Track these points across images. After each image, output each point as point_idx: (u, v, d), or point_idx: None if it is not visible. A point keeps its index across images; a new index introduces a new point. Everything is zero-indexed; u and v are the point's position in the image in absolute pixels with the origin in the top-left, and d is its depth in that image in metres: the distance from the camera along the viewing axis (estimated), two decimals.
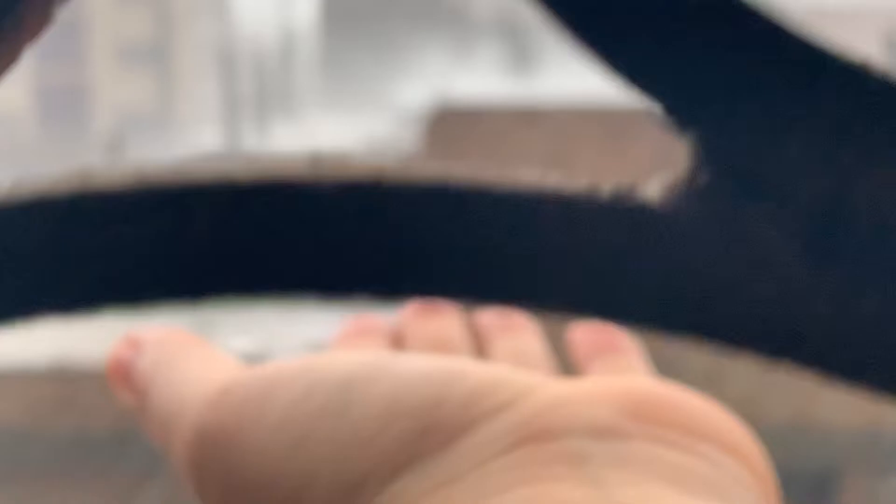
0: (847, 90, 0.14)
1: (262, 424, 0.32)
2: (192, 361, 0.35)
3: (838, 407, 2.47)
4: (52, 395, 4.32)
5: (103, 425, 4.57)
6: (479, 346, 0.41)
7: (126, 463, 4.09)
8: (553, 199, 0.15)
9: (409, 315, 0.40)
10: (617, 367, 0.38)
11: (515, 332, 0.41)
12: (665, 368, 0.35)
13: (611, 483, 0.28)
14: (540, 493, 0.27)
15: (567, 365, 0.41)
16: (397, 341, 0.40)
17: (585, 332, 0.40)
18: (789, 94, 0.14)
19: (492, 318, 0.41)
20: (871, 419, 2.48)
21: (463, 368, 0.32)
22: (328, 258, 0.16)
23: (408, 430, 0.30)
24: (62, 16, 0.18)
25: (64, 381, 4.39)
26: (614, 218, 0.15)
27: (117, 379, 0.36)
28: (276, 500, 0.31)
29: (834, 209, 0.14)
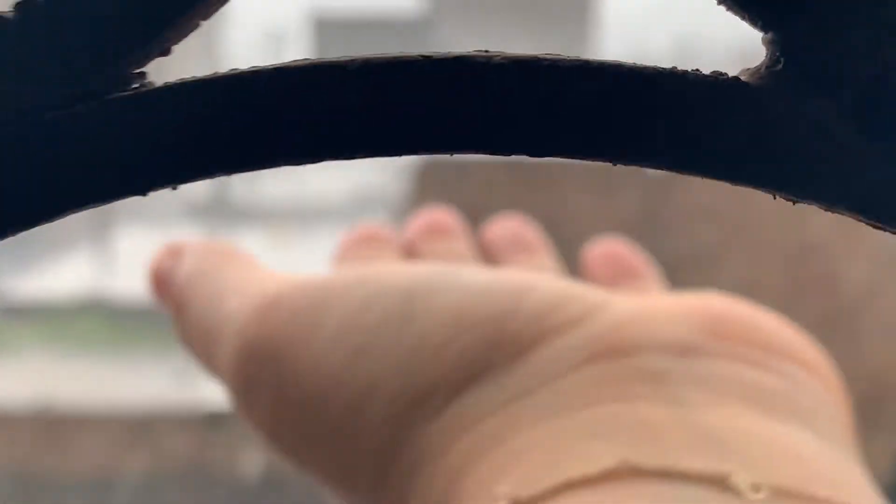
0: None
1: (317, 336, 0.30)
2: (234, 271, 0.33)
3: None
4: (36, 437, 4.30)
5: (88, 468, 4.53)
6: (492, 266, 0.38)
7: None
8: (668, 73, 0.19)
9: (418, 232, 0.38)
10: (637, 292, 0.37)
11: (529, 250, 0.38)
12: None
13: (692, 403, 0.26)
14: (619, 412, 0.26)
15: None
16: (409, 257, 0.38)
17: (601, 256, 0.38)
18: (843, 5, 0.19)
19: (503, 234, 0.39)
20: None
21: (532, 281, 0.30)
22: (494, 123, 0.19)
23: (476, 341, 0.29)
24: None
25: (48, 423, 4.38)
26: (715, 86, 0.19)
27: (157, 289, 0.34)
28: (331, 415, 0.29)
29: (878, 90, 0.19)
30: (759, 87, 0.19)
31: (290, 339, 0.30)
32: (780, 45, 0.19)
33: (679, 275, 0.31)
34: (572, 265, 0.38)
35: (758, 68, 0.20)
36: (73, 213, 0.19)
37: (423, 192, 2.56)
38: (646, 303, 0.30)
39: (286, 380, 0.30)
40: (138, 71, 0.19)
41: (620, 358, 0.28)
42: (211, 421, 6.16)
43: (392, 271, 0.31)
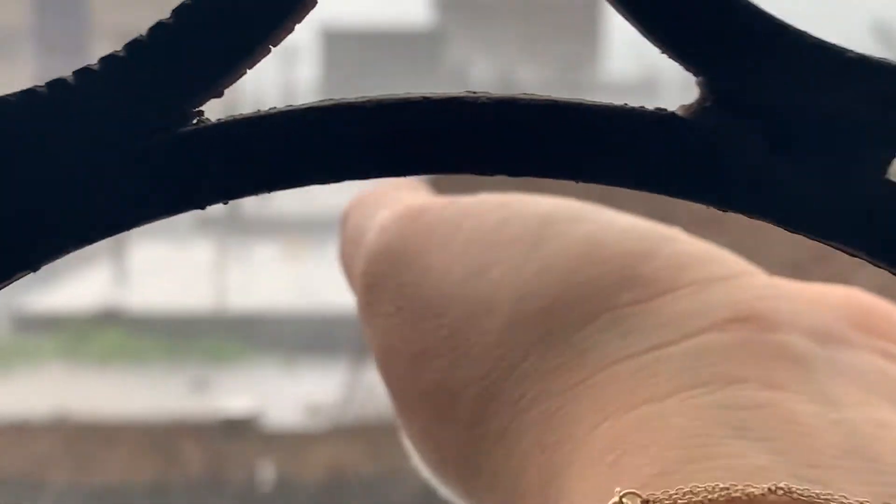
0: (793, 49, 0.23)
1: (447, 247, 0.30)
2: (398, 192, 0.34)
3: None
4: (54, 446, 4.35)
5: (104, 477, 4.56)
6: None
7: None
8: (620, 109, 0.23)
9: None
10: None
11: None
12: None
13: (843, 402, 0.25)
14: (765, 402, 0.24)
15: None
16: None
17: None
18: (760, 53, 0.23)
19: None
20: None
21: (677, 233, 0.29)
22: (481, 150, 0.24)
23: (607, 274, 0.28)
24: None
25: (66, 433, 4.41)
26: (657, 120, 0.23)
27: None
28: (447, 324, 0.29)
29: (787, 120, 0.23)
30: (693, 119, 0.24)
31: (422, 245, 0.31)
32: (709, 86, 0.24)
33: None
34: None
35: (692, 105, 0.24)
36: (144, 225, 0.24)
37: None
38: (789, 283, 0.29)
39: (410, 283, 0.30)
40: (197, 110, 0.23)
41: (761, 330, 0.26)
42: (226, 430, 6.19)
43: (535, 200, 0.31)
